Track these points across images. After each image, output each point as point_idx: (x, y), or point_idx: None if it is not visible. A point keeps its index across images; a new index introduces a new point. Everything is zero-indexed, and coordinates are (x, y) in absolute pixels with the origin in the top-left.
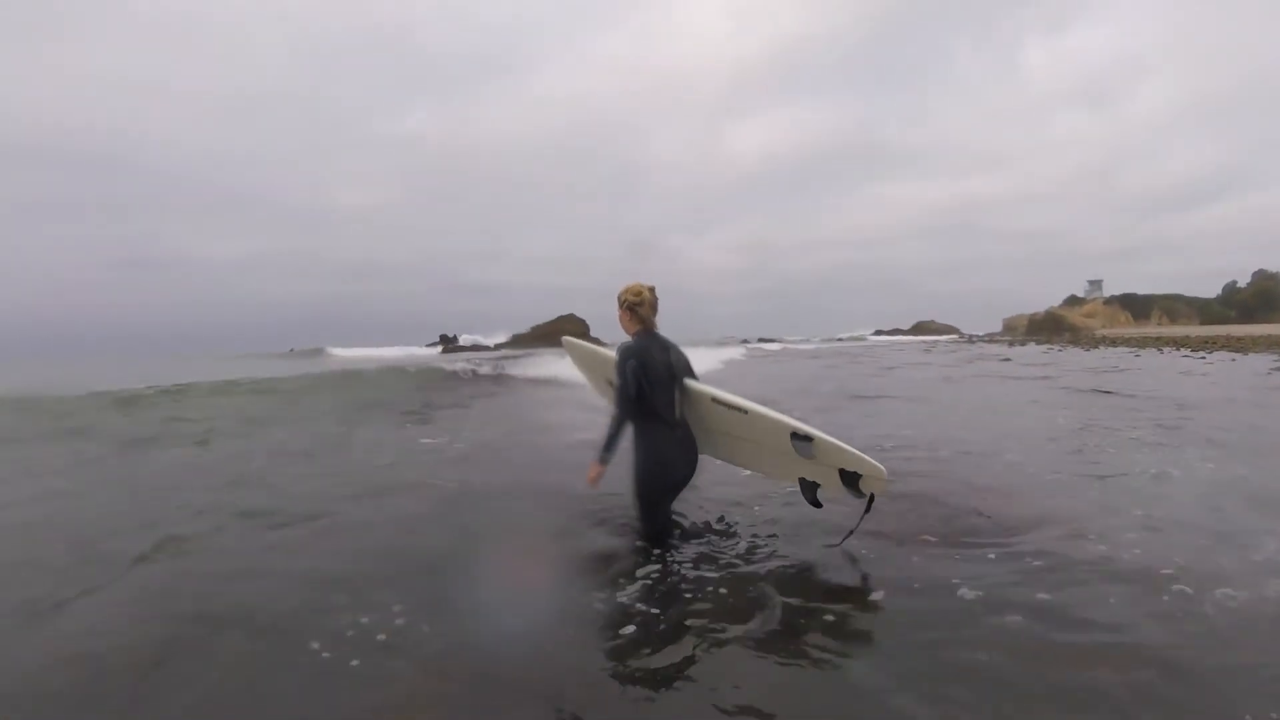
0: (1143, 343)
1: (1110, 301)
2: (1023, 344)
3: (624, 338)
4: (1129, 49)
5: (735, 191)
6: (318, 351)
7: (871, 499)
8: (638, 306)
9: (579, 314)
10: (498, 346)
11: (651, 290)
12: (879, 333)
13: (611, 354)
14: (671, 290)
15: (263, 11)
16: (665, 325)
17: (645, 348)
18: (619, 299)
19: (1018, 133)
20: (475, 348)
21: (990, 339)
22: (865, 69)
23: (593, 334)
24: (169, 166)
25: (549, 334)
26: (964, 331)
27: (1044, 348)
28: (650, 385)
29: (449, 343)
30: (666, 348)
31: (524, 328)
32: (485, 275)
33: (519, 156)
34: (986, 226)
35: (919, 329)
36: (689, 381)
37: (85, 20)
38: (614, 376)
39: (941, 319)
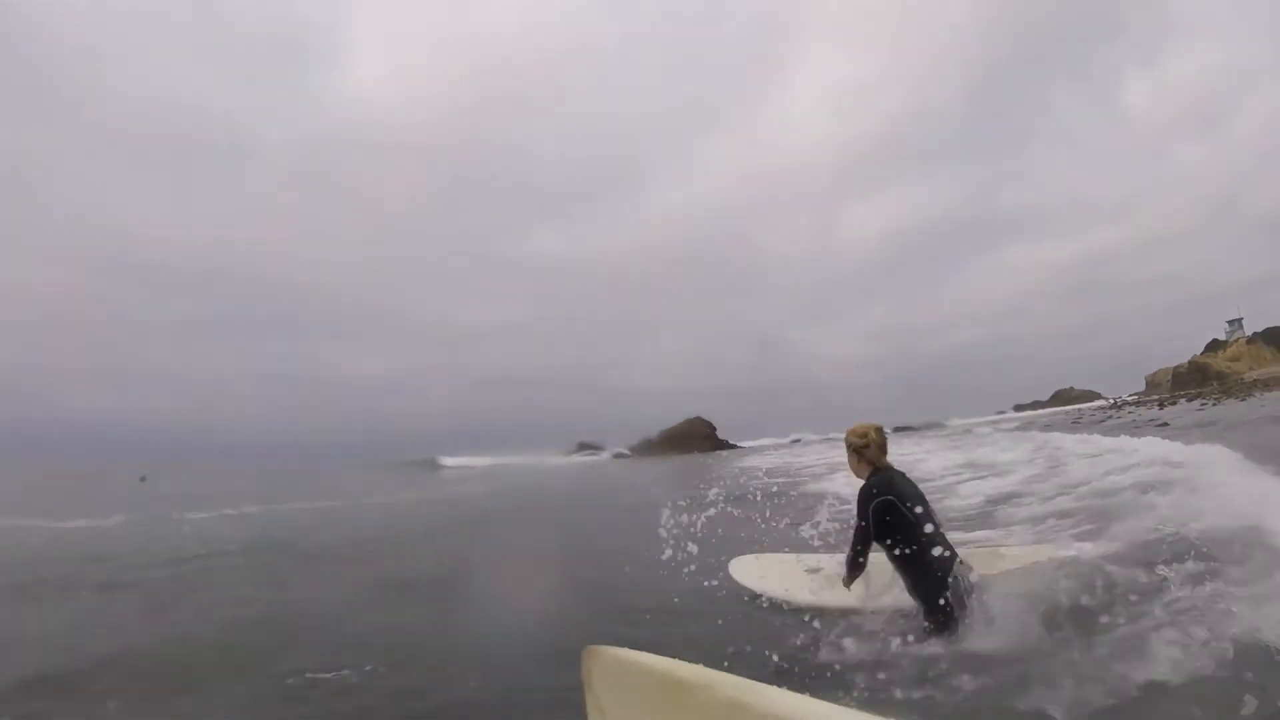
0: None
1: (1254, 339)
2: (1173, 402)
3: (749, 430)
4: (1227, 64)
5: (855, 279)
6: (431, 462)
7: None
8: (864, 450)
9: (705, 415)
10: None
11: (879, 431)
12: (1019, 408)
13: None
14: (799, 386)
15: (395, 145)
16: (795, 419)
17: (889, 481)
18: (846, 442)
19: (1131, 174)
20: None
21: (1138, 400)
22: (969, 137)
23: (720, 435)
24: (314, 288)
25: (677, 437)
26: (1106, 395)
27: (1196, 404)
28: (911, 513)
29: (590, 448)
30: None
31: (653, 432)
32: (616, 382)
33: (640, 264)
34: (1114, 279)
35: (1058, 398)
36: None
37: (236, 155)
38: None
39: (1080, 384)
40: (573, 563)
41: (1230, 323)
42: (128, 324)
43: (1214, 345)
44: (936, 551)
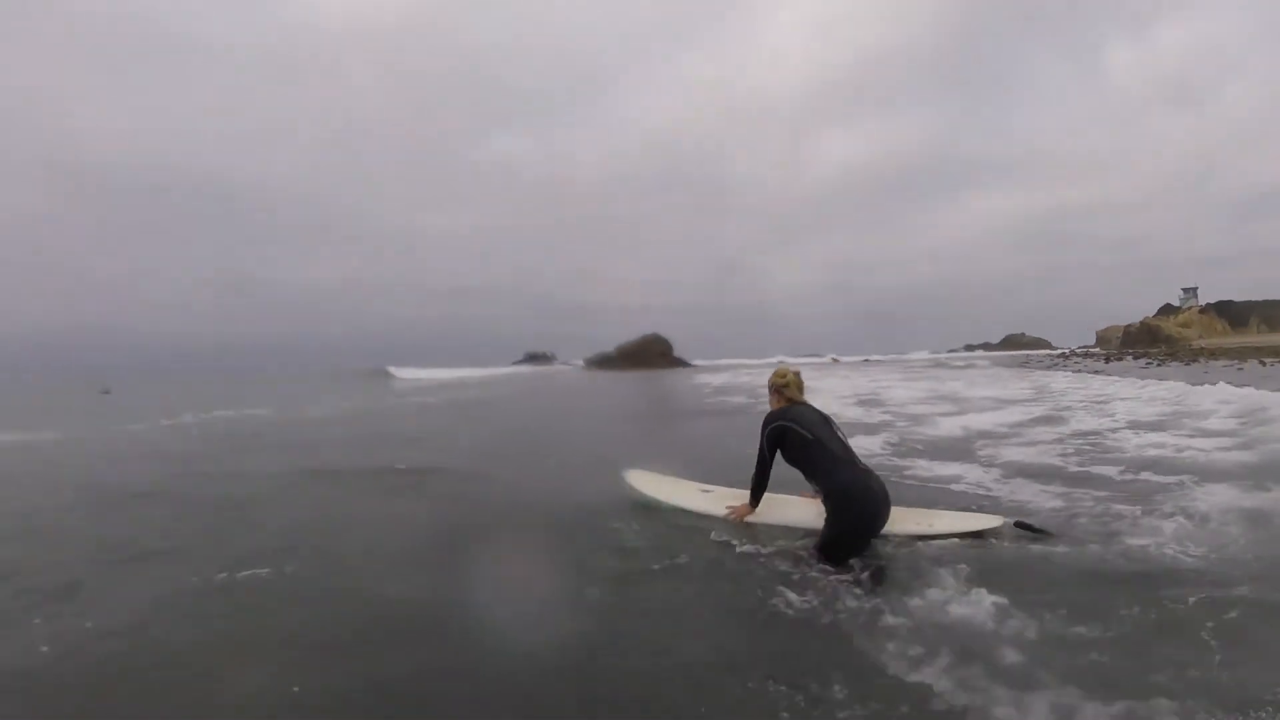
0: (1242, 354)
1: (1206, 310)
2: (1119, 358)
3: (708, 349)
4: (1214, 44)
5: (820, 209)
6: (383, 372)
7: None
8: (784, 389)
9: (664, 334)
10: (587, 365)
11: (797, 374)
12: (970, 348)
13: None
14: (757, 310)
15: (352, 47)
16: (753, 346)
17: (787, 410)
18: (769, 383)
19: (1105, 138)
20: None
21: (1085, 353)
22: (947, 80)
23: (676, 353)
24: (269, 195)
25: (634, 353)
26: (1056, 344)
27: (1142, 362)
28: (808, 434)
29: (539, 360)
30: (815, 409)
31: (611, 348)
32: (576, 296)
33: (603, 179)
34: (1077, 236)
35: (1009, 343)
36: None
37: (188, 61)
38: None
39: (1033, 331)
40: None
41: (1185, 290)
42: (75, 231)
43: (1167, 310)
44: (840, 473)
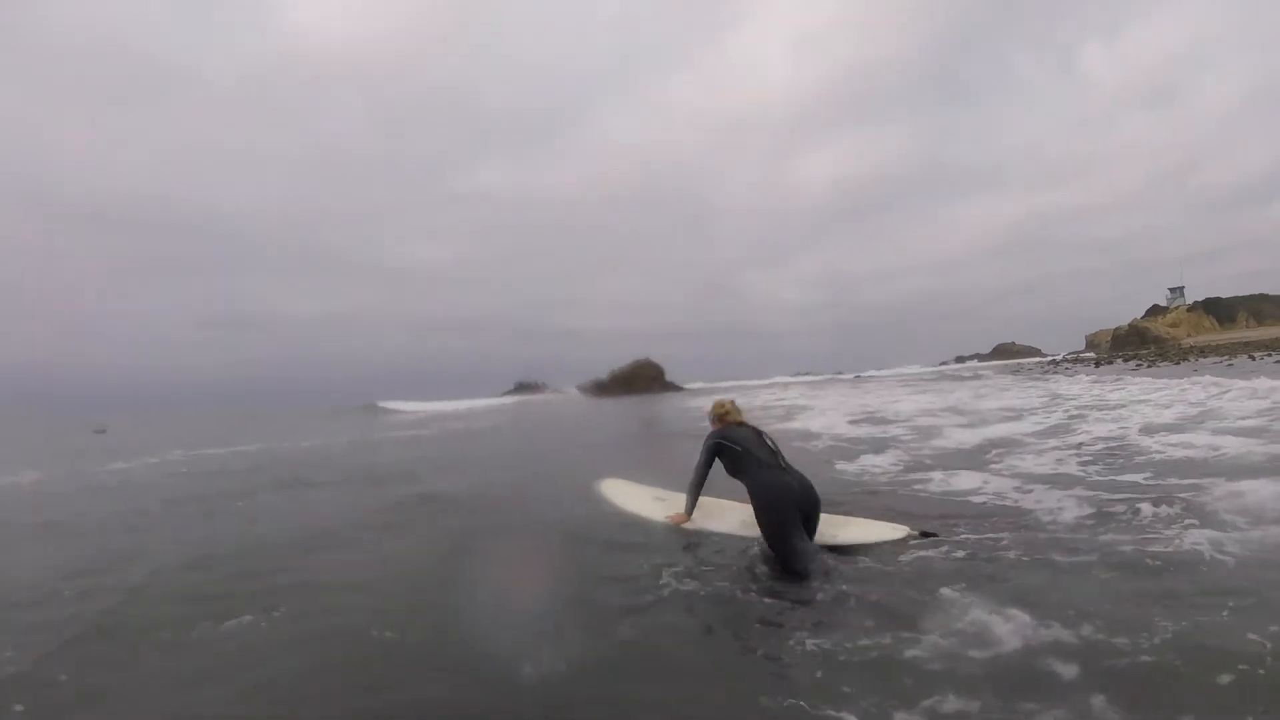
0: (1232, 350)
1: (1194, 308)
2: (1110, 362)
3: (699, 371)
4: (1187, 41)
5: (807, 225)
6: (372, 407)
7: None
8: (724, 415)
9: (655, 358)
10: (583, 392)
11: (732, 402)
12: (960, 359)
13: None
14: (747, 330)
15: (330, 81)
16: (744, 366)
17: (724, 431)
18: (710, 413)
19: (1086, 140)
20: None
21: (1076, 358)
22: (925, 90)
23: (668, 378)
24: (251, 228)
25: (627, 378)
26: (1046, 351)
27: (1132, 365)
28: (741, 446)
29: (529, 389)
30: (753, 428)
31: (603, 372)
32: (563, 322)
33: (588, 205)
34: (1063, 240)
35: (1000, 352)
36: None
37: (166, 91)
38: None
39: (1023, 339)
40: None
41: (1172, 290)
42: (58, 268)
43: (1155, 311)
44: (762, 474)
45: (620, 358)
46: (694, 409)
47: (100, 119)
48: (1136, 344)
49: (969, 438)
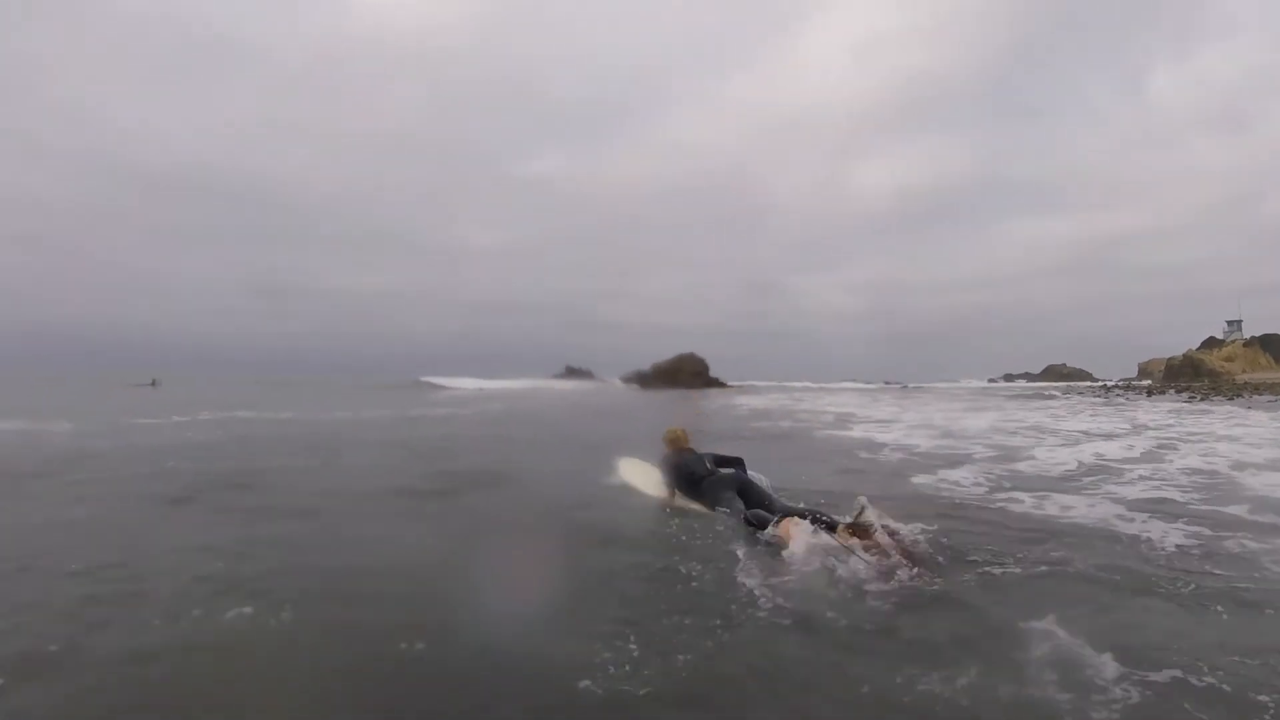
0: None
1: (1250, 343)
2: (1162, 392)
3: (742, 370)
4: (1261, 67)
5: (860, 231)
6: (419, 383)
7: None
8: (675, 441)
9: (699, 353)
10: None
11: (683, 430)
12: (1009, 377)
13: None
14: (793, 332)
15: (398, 61)
16: (787, 368)
17: (677, 454)
18: (665, 439)
19: (1149, 162)
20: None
21: (1128, 385)
22: (987, 103)
23: (712, 373)
24: (310, 202)
25: (668, 371)
26: (1098, 376)
27: (1184, 396)
28: (685, 470)
29: (578, 374)
30: (697, 453)
31: (645, 365)
32: (609, 313)
33: (644, 199)
34: (1121, 263)
35: (1050, 373)
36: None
37: (237, 67)
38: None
39: (1074, 362)
40: None
41: (1230, 323)
42: (125, 231)
43: (1210, 343)
44: (700, 484)
45: (663, 352)
46: (739, 406)
47: (169, 92)
48: (1190, 375)
49: (1057, 459)
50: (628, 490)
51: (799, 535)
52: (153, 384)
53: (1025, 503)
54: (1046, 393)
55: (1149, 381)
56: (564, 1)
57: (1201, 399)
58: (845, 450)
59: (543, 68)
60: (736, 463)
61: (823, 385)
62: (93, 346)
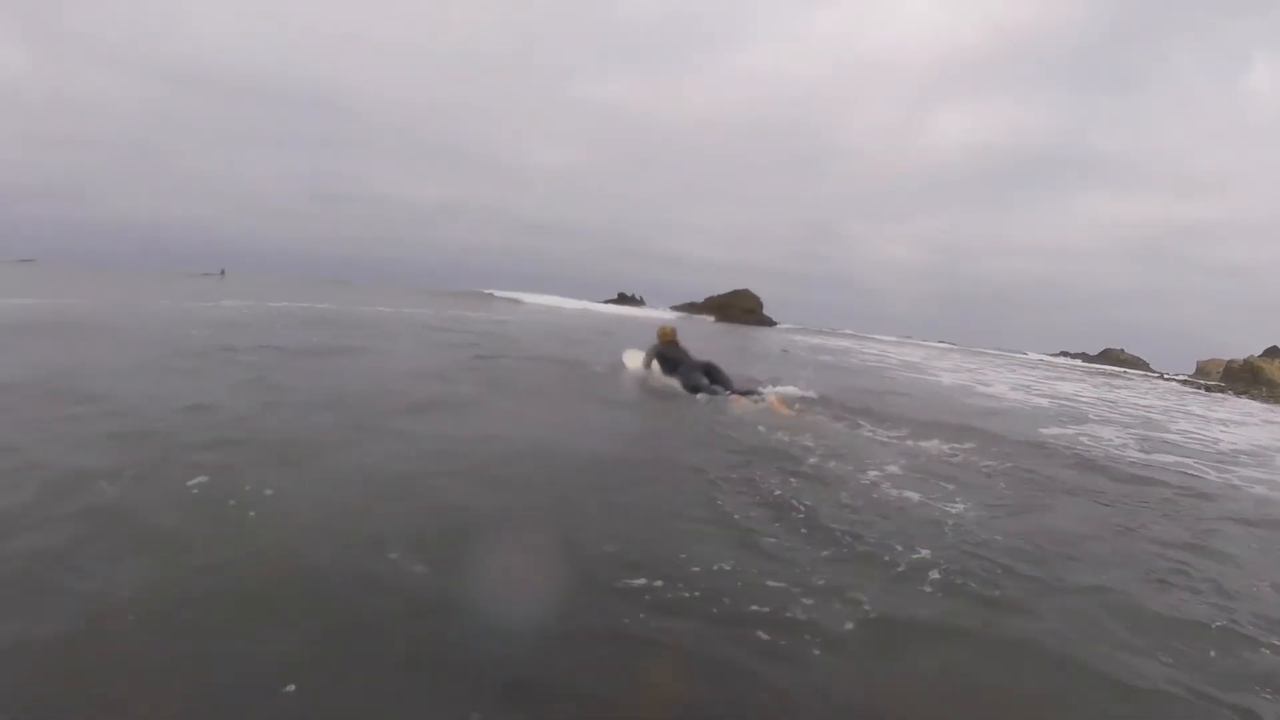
0: None
1: None
2: (1220, 391)
3: (792, 312)
4: None
5: (929, 185)
6: (482, 294)
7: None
8: (664, 336)
9: (753, 290)
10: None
11: (673, 330)
12: (1066, 355)
13: (636, 364)
14: (847, 280)
15: None
16: (839, 316)
17: (663, 345)
18: (659, 332)
19: (1238, 153)
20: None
21: (1185, 381)
22: (1077, 70)
23: (765, 311)
24: (376, 113)
25: (721, 305)
26: (1154, 368)
27: (1243, 400)
28: (667, 359)
29: (629, 301)
30: (683, 347)
31: (698, 297)
32: (665, 243)
33: (713, 130)
34: (1191, 255)
35: (1106, 356)
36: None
37: None
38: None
39: (1131, 349)
40: None
41: None
42: (186, 133)
43: (1272, 352)
44: (685, 375)
45: (714, 287)
46: (813, 348)
47: None
48: (1248, 381)
49: (1205, 436)
50: (624, 367)
51: (742, 401)
52: (221, 274)
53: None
54: (1123, 375)
55: (1204, 382)
56: None
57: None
58: (964, 398)
59: None
60: (710, 366)
61: (874, 336)
62: (159, 244)
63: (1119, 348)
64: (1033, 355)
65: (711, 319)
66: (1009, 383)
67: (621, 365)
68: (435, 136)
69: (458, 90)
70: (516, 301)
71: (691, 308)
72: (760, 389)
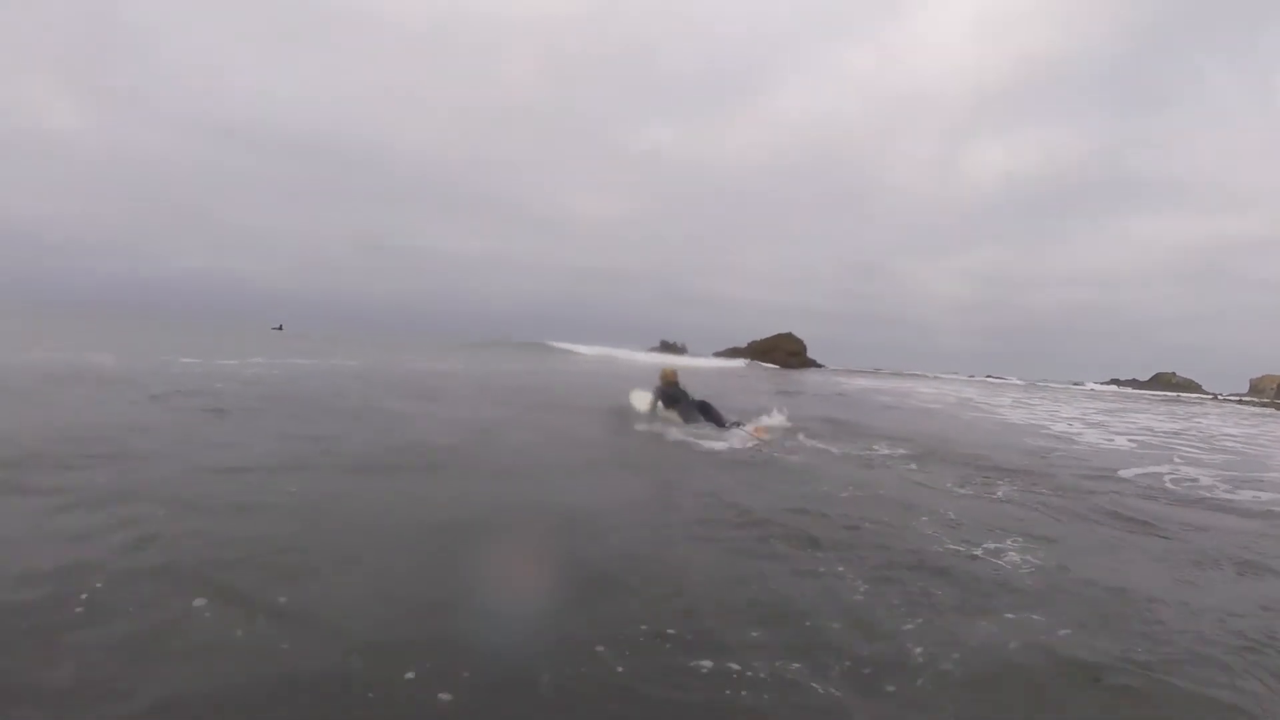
0: None
1: None
2: (1276, 408)
3: (838, 353)
4: None
5: (969, 215)
6: (542, 345)
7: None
8: (667, 377)
9: (797, 333)
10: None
11: (674, 372)
12: (1115, 382)
13: (643, 403)
14: (891, 317)
15: (512, 30)
16: (888, 355)
17: (665, 386)
18: (662, 375)
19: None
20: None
21: (1240, 401)
22: (1110, 92)
23: (809, 354)
24: (420, 168)
25: (764, 349)
26: (1208, 389)
27: None
28: (669, 397)
29: (671, 349)
30: (681, 387)
31: (740, 341)
32: (707, 286)
33: (749, 172)
34: (1240, 271)
35: (1158, 381)
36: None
37: (346, 33)
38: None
39: (1183, 372)
40: None
41: None
42: (234, 187)
43: None
44: (683, 411)
45: (759, 330)
46: (866, 391)
47: (284, 58)
48: None
49: None
50: (630, 406)
51: (737, 433)
52: (279, 328)
53: None
54: (1180, 400)
55: (1258, 400)
56: None
57: None
58: (1035, 441)
59: (655, 39)
60: (704, 404)
61: (919, 374)
62: (209, 294)
63: (1170, 371)
64: (1090, 385)
65: (776, 366)
66: (1079, 416)
67: (629, 405)
68: (478, 189)
69: (500, 143)
70: (574, 353)
71: (734, 352)
72: (740, 422)
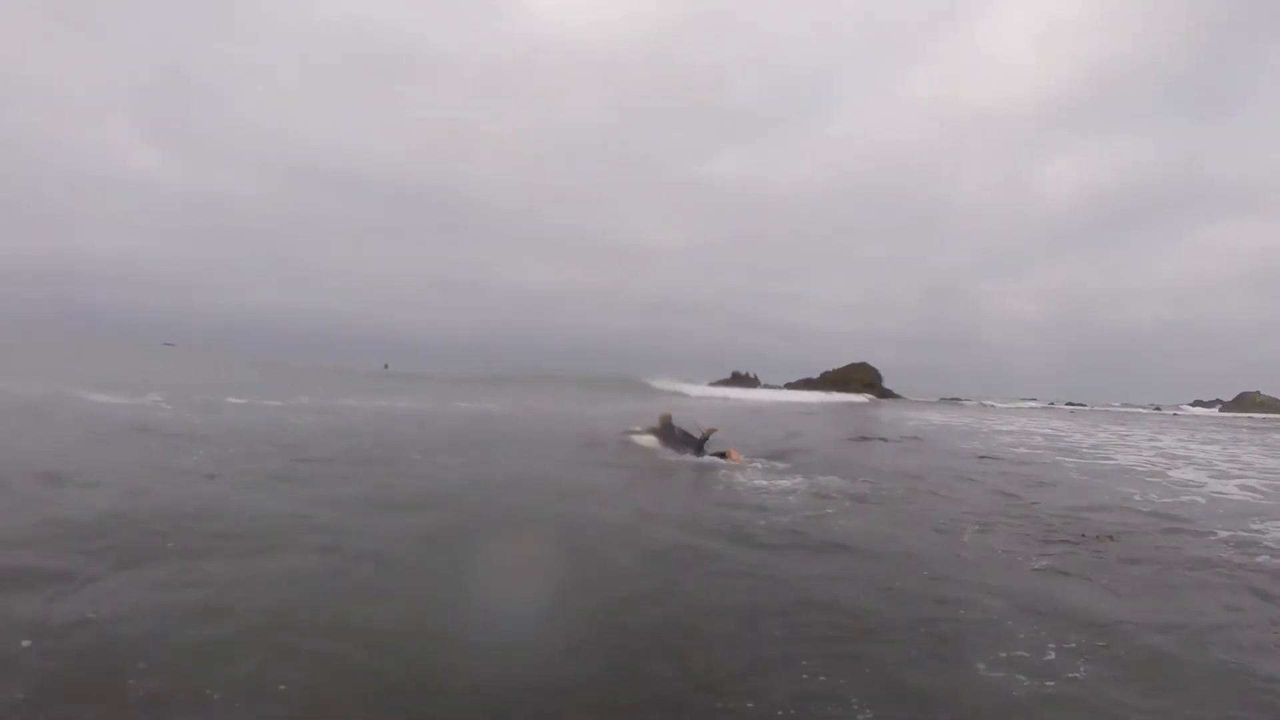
0: None
1: None
2: None
3: (914, 379)
4: None
5: (1043, 233)
6: (640, 383)
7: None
8: (664, 419)
9: (872, 362)
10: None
11: (669, 412)
12: (1199, 403)
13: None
14: (968, 341)
15: (578, 62)
16: (964, 382)
17: (664, 425)
18: (660, 418)
19: None
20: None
21: None
22: (1181, 96)
23: (885, 384)
24: (490, 201)
25: (838, 380)
26: None
27: None
28: (666, 432)
29: (743, 380)
30: (673, 426)
31: (813, 372)
32: (779, 317)
33: (818, 200)
34: None
35: (1241, 402)
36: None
37: (423, 75)
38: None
39: (1268, 390)
40: None
41: None
42: (309, 229)
43: None
44: (675, 446)
45: (831, 360)
46: (921, 426)
47: (351, 96)
48: None
49: None
50: (635, 439)
51: (720, 463)
52: (385, 368)
53: None
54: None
55: None
56: (740, 3)
57: None
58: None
59: (719, 71)
60: (688, 435)
61: (997, 404)
62: (287, 331)
63: (1254, 390)
64: (1177, 408)
65: (867, 398)
66: (1189, 456)
67: (630, 439)
68: (548, 221)
69: (569, 176)
70: (682, 394)
71: (807, 384)
72: (722, 451)
